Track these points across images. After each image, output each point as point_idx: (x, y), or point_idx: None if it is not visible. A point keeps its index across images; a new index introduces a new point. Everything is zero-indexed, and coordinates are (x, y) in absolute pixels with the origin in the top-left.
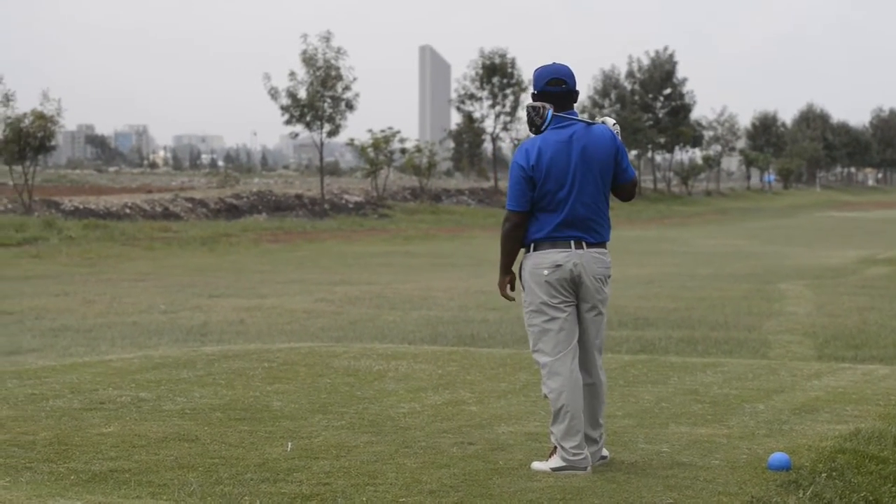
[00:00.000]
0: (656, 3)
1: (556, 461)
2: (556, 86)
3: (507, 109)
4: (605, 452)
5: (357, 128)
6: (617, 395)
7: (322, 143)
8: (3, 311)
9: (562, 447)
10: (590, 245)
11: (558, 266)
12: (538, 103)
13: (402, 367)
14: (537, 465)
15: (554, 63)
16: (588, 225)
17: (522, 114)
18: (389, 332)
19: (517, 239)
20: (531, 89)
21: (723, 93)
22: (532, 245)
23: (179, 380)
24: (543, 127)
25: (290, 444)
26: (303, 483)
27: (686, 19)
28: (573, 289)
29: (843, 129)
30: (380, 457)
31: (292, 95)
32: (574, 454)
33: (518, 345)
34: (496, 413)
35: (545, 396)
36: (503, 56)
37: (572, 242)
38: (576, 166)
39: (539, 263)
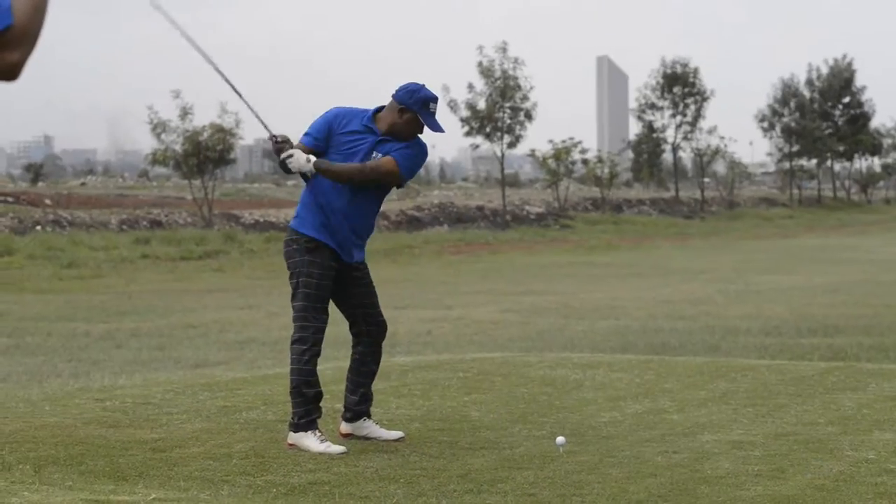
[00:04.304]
0: (838, 10)
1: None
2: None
3: (689, 119)
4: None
5: (534, 139)
6: (818, 402)
7: (503, 155)
8: (188, 324)
9: None
10: None
11: None
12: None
13: (599, 375)
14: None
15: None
16: None
17: (704, 123)
18: (579, 341)
19: None
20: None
21: None
22: None
23: (375, 390)
24: None
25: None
26: (507, 494)
27: (867, 25)
28: None
29: None
30: (584, 466)
31: (471, 107)
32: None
33: (711, 353)
34: (698, 421)
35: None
36: (685, 65)
37: None
38: None
39: None
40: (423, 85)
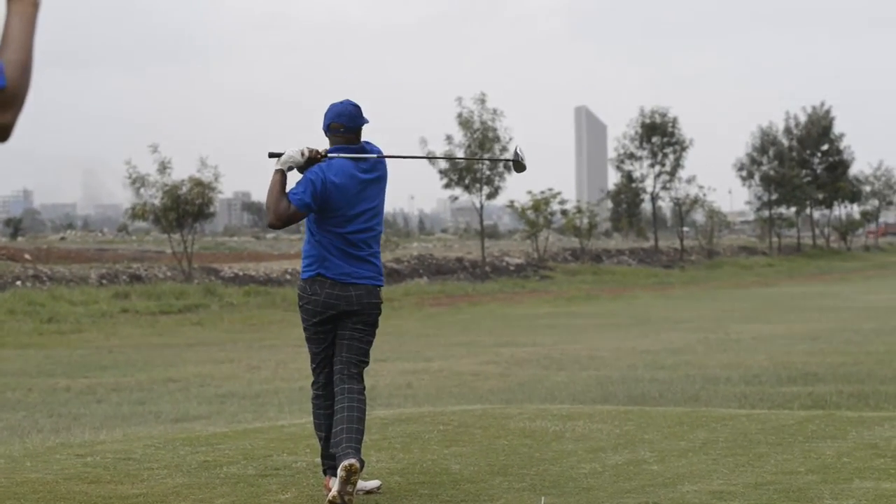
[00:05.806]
0: (813, 60)
1: None
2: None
3: (668, 168)
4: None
5: (513, 190)
6: (798, 451)
7: (482, 206)
8: (168, 378)
9: None
10: None
11: None
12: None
13: (579, 427)
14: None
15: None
16: None
17: (683, 173)
18: (559, 392)
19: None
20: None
21: (880, 147)
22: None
23: None
24: None
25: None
26: None
27: (841, 74)
28: None
29: None
30: None
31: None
32: None
33: (691, 403)
34: (679, 472)
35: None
36: (664, 115)
37: None
38: None
39: None
40: (343, 101)
